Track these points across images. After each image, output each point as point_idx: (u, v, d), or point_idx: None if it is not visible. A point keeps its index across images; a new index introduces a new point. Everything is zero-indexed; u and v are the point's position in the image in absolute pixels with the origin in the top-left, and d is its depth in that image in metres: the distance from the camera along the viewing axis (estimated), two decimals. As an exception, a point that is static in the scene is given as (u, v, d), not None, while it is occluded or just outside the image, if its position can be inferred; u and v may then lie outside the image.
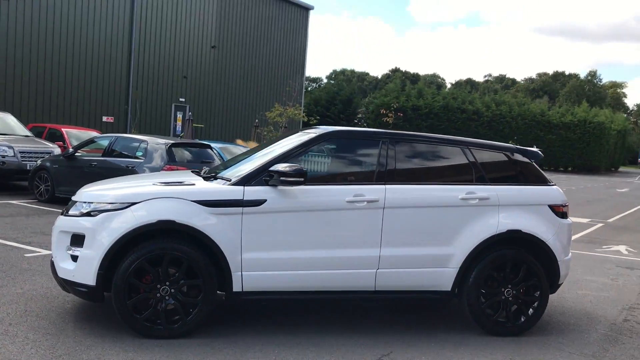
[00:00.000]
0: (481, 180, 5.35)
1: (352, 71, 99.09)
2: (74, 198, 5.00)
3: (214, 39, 30.94)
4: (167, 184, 4.87)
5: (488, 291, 5.22)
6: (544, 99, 71.97)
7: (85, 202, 4.77)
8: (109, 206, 4.63)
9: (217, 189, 4.82)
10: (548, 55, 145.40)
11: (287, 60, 36.75)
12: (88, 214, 4.66)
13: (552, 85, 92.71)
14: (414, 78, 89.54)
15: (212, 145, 12.14)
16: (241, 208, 4.71)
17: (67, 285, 4.72)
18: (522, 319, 5.28)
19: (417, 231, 5.12)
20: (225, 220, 4.67)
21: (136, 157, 10.58)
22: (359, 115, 56.32)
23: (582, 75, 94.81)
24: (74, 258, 4.63)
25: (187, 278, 4.64)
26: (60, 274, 4.73)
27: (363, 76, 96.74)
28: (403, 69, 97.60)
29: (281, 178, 4.71)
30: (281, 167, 4.74)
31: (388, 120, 20.52)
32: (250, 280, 4.75)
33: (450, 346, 4.92)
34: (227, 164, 5.78)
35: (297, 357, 4.45)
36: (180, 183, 4.89)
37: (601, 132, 55.35)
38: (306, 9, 38.47)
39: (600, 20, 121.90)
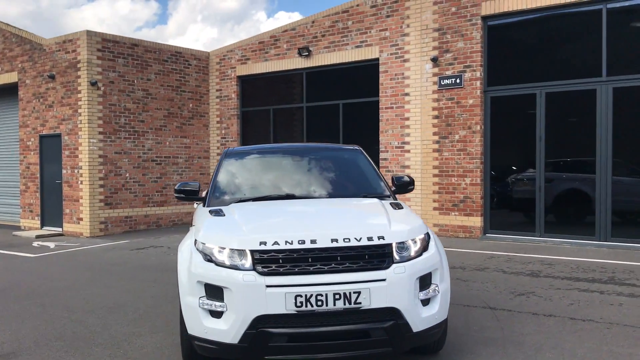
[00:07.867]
0: None
1: None
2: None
3: None
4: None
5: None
6: None
7: (400, 242, 4.08)
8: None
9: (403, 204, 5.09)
10: None
11: None
12: (420, 253, 4.16)
13: None
14: None
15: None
16: None
17: (422, 335, 3.99)
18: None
19: None
20: None
21: None
22: None
23: None
24: (428, 301, 4.11)
25: None
26: (424, 325, 3.99)
27: None
28: None
29: (409, 187, 5.52)
30: (405, 179, 5.54)
31: None
32: None
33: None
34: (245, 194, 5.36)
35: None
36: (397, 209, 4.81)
37: None
38: None
39: None
